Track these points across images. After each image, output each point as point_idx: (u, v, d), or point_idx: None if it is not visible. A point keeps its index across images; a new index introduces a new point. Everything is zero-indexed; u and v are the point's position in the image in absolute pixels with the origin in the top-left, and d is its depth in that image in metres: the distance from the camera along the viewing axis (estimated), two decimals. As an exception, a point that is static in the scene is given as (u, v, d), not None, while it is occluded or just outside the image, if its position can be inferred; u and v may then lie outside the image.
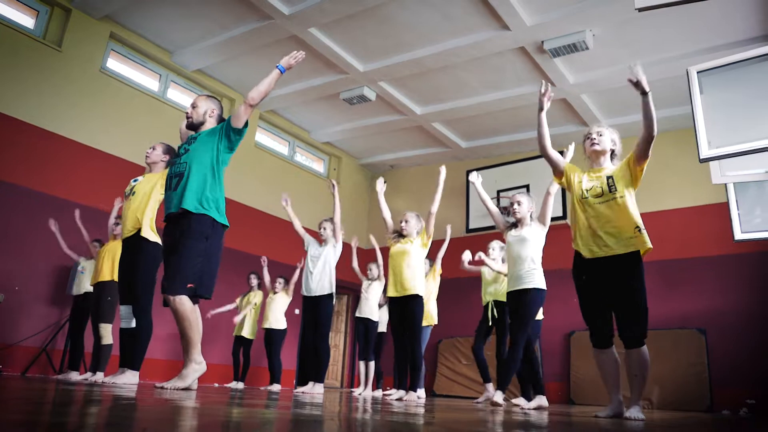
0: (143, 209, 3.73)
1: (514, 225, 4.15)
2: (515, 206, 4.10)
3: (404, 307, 4.58)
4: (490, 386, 5.17)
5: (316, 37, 6.37)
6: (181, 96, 7.55)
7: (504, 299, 5.22)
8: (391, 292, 4.65)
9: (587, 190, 2.96)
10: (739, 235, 4.99)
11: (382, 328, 6.47)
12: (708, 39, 5.87)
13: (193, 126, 3.30)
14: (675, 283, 6.82)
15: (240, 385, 6.32)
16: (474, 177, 4.40)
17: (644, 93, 2.88)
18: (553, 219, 7.62)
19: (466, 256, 5.10)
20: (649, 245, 2.82)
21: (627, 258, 2.81)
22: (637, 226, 2.83)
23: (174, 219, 3.01)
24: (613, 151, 3.08)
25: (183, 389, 2.86)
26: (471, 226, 8.64)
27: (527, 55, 6.44)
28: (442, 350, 8.27)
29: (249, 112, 3.17)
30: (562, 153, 3.38)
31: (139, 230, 3.68)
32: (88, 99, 6.31)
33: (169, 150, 4.05)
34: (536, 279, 3.97)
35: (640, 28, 5.81)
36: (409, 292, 4.55)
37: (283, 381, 6.91)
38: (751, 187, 4.91)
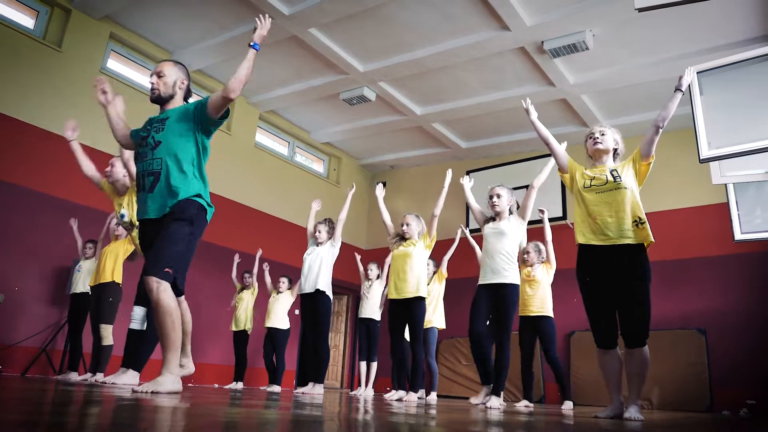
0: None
1: (492, 218, 4.06)
2: (494, 199, 4.02)
3: (406, 310, 4.56)
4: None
5: (316, 37, 6.37)
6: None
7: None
8: (393, 294, 4.62)
9: (591, 179, 2.99)
10: (739, 236, 4.99)
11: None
12: (708, 39, 5.87)
13: (160, 100, 2.80)
14: (675, 283, 6.81)
15: (239, 386, 6.31)
16: (466, 180, 4.42)
17: (680, 90, 2.96)
18: (552, 219, 7.72)
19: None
20: (651, 239, 2.82)
21: (628, 251, 2.82)
22: (639, 218, 2.84)
23: (151, 221, 2.66)
24: (615, 150, 3.10)
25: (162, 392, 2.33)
26: (472, 226, 8.63)
27: (527, 55, 6.44)
28: (442, 350, 8.28)
29: (228, 103, 2.66)
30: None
31: None
32: (88, 99, 6.30)
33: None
34: (512, 274, 3.88)
35: (640, 28, 5.81)
36: (412, 295, 4.53)
37: (283, 381, 6.90)
38: (751, 188, 4.92)
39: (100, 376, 4.48)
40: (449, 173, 4.66)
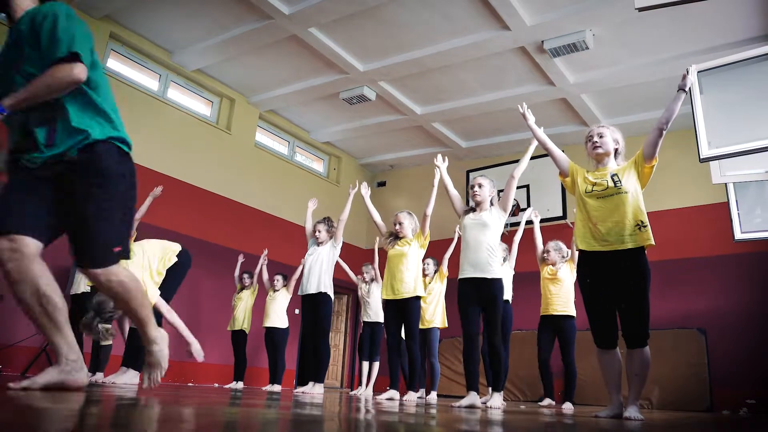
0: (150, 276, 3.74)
1: (472, 209, 3.90)
2: (475, 189, 3.86)
3: (402, 310, 4.54)
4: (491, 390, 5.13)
5: (316, 37, 6.37)
6: (181, 96, 7.55)
7: (505, 297, 5.23)
8: (388, 295, 4.59)
9: (593, 185, 2.96)
10: (739, 235, 5.00)
11: None
12: (708, 39, 5.87)
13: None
14: (675, 283, 6.82)
15: (240, 385, 6.31)
16: (440, 161, 4.23)
17: (683, 90, 2.95)
18: (552, 219, 7.75)
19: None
20: (652, 241, 2.80)
21: (630, 254, 2.80)
22: (641, 222, 2.82)
23: (52, 165, 1.91)
24: (616, 150, 3.06)
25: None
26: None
27: (527, 55, 6.44)
28: (442, 350, 8.26)
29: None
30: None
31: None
32: (88, 99, 6.31)
33: None
34: (497, 268, 3.73)
35: (640, 28, 5.81)
36: (407, 295, 4.49)
37: (283, 381, 6.90)
38: (751, 187, 4.92)
39: (99, 376, 4.49)
40: (437, 172, 4.37)
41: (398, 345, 4.86)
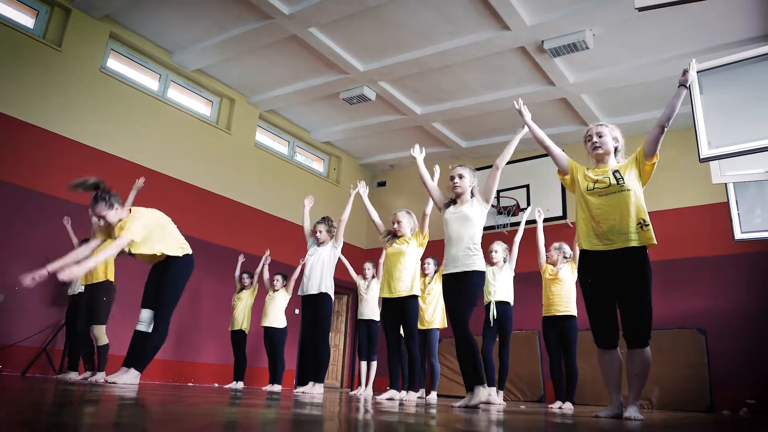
0: (154, 251, 3.68)
1: (453, 202, 3.68)
2: (456, 180, 3.62)
3: (400, 309, 4.53)
4: (493, 390, 5.12)
5: (316, 37, 6.37)
6: (181, 96, 7.55)
7: (506, 299, 5.22)
8: (386, 293, 4.58)
9: (594, 182, 2.93)
10: (739, 235, 4.99)
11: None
12: (708, 39, 5.87)
13: None
14: (675, 283, 6.82)
15: (239, 385, 6.31)
16: (416, 151, 3.99)
17: (684, 86, 2.89)
18: (551, 219, 7.74)
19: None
20: (654, 241, 2.77)
21: (632, 253, 2.78)
22: (643, 220, 2.79)
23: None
24: (616, 149, 3.03)
25: None
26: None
27: (527, 55, 6.44)
28: (441, 350, 8.26)
29: None
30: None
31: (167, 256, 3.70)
32: (88, 99, 6.31)
33: (107, 197, 3.53)
34: (477, 261, 3.48)
35: (640, 28, 5.81)
36: (405, 294, 4.48)
37: (283, 381, 6.90)
38: (751, 187, 4.92)
39: (100, 375, 4.49)
40: (437, 170, 4.26)
41: (398, 345, 4.85)
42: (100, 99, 6.40)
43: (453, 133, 8.66)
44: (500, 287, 5.21)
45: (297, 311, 7.38)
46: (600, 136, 3.00)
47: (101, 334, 4.79)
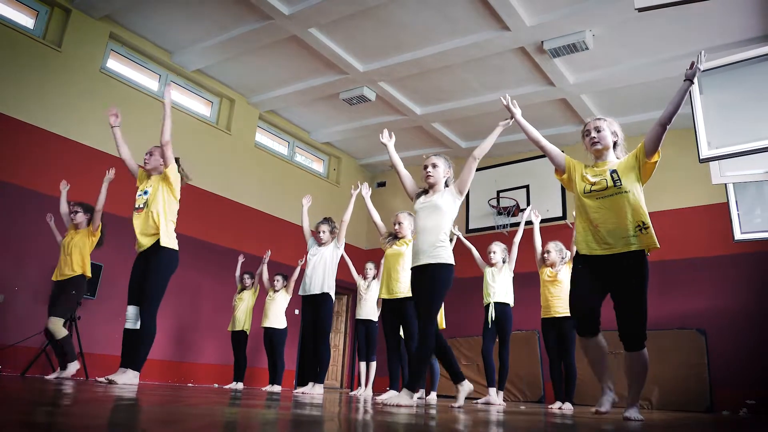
0: (158, 219, 3.72)
1: (425, 192, 3.51)
2: (429, 169, 3.47)
3: (399, 310, 4.52)
4: (492, 390, 5.12)
5: (316, 37, 6.37)
6: (181, 96, 7.55)
7: (505, 300, 5.22)
8: (385, 294, 4.58)
9: (592, 185, 2.84)
10: (738, 235, 5.00)
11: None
12: (708, 39, 5.87)
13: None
14: (675, 283, 6.82)
15: (239, 386, 6.30)
16: (386, 138, 3.81)
17: (690, 80, 2.74)
18: (551, 219, 7.74)
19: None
20: (656, 244, 2.69)
21: (630, 257, 2.70)
22: (643, 223, 2.70)
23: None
24: (615, 143, 2.94)
25: None
26: (471, 227, 8.64)
27: (527, 55, 6.44)
28: (442, 350, 8.27)
29: None
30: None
31: (158, 240, 3.69)
32: (88, 99, 6.31)
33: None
34: (443, 253, 3.24)
35: (640, 28, 5.81)
36: (402, 295, 4.47)
37: (283, 381, 6.90)
38: (751, 187, 4.92)
39: (72, 367, 4.48)
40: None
41: (397, 346, 4.85)
42: (100, 99, 6.40)
43: (453, 133, 8.66)
44: (499, 288, 5.21)
45: (297, 311, 7.39)
46: (598, 131, 2.92)
47: (57, 327, 4.61)
